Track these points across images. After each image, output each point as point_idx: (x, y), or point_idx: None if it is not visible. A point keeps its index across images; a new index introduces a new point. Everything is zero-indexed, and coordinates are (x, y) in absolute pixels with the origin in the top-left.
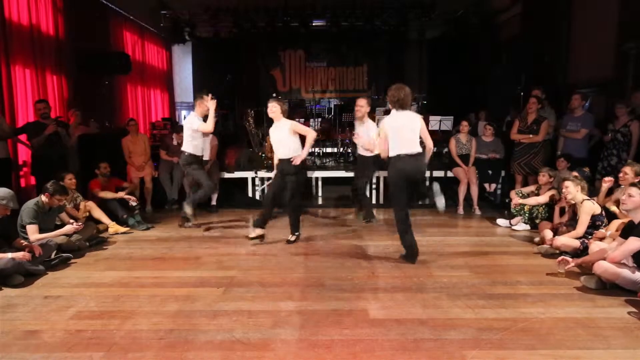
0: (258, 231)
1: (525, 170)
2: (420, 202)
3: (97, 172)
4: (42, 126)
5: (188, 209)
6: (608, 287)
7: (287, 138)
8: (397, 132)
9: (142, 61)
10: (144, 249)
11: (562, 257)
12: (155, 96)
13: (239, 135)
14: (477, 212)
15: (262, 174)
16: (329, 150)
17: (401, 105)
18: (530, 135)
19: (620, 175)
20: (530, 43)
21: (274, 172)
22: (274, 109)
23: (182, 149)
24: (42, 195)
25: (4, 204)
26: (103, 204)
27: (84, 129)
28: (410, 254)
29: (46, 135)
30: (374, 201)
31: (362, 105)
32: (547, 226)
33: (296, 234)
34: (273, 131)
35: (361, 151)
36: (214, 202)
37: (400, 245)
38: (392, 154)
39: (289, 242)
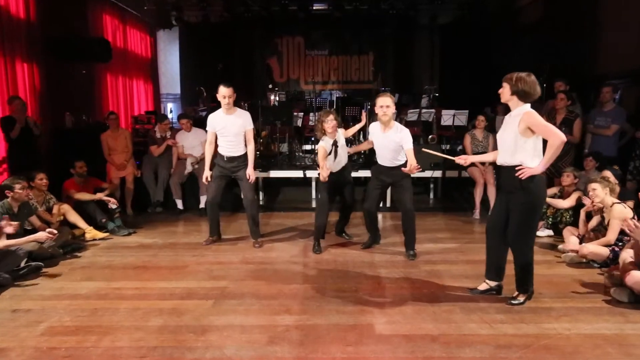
0: None
1: (551, 170)
2: None
3: (73, 171)
4: (12, 121)
5: None
6: None
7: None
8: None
9: (124, 48)
10: (125, 257)
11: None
12: (138, 87)
13: None
14: None
15: (257, 173)
16: None
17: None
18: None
19: None
20: (554, 29)
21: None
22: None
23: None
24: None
25: None
26: (79, 207)
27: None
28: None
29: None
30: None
31: (388, 104)
32: (572, 232)
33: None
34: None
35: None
36: (202, 205)
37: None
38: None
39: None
